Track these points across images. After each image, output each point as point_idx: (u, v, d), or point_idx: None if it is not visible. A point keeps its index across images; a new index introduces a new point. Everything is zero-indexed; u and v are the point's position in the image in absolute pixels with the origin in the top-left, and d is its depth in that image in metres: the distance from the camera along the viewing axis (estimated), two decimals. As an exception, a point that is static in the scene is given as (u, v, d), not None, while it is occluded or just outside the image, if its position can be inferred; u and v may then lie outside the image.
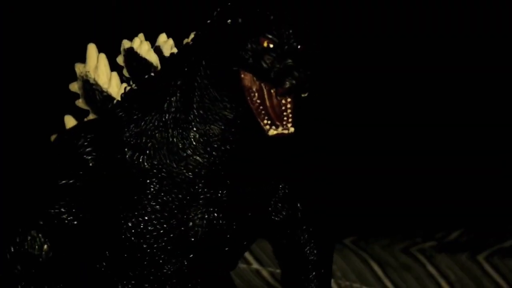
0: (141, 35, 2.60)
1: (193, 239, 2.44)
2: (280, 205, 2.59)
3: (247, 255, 3.79)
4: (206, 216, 2.44)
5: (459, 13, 4.47)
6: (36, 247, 2.41)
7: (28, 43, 4.15)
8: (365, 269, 3.80)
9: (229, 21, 2.35)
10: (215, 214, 2.45)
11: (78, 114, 2.63)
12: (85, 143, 2.44)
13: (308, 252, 2.63)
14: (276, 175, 2.57)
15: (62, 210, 2.41)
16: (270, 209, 2.58)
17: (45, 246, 2.41)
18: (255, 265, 3.82)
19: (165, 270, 2.46)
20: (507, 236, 3.88)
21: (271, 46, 2.29)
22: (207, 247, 2.46)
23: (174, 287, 2.48)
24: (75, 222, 2.41)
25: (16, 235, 2.41)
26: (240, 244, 2.54)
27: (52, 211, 2.40)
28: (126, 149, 2.44)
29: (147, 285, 2.48)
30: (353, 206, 4.34)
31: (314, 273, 2.62)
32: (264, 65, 2.28)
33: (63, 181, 2.42)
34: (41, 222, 2.41)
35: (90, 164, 2.43)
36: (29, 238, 2.41)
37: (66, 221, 2.41)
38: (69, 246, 2.43)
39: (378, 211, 4.34)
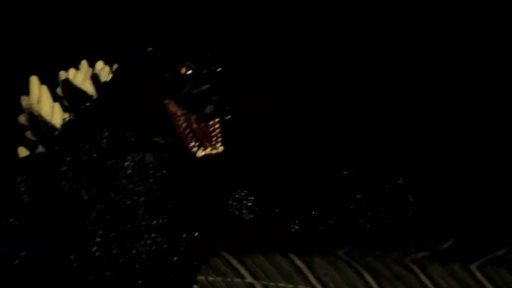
0: (84, 62, 2.65)
1: (138, 266, 2.48)
2: (245, 203, 2.64)
3: (241, 269, 3.81)
4: (149, 242, 2.48)
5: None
6: None
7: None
8: (359, 280, 3.82)
9: (149, 49, 2.40)
10: (158, 239, 2.49)
11: (30, 145, 2.69)
12: (22, 182, 2.51)
13: None
14: (221, 194, 2.62)
15: (5, 249, 2.49)
16: (236, 213, 2.63)
17: None
18: (249, 279, 3.83)
19: None
20: (499, 245, 3.90)
21: (189, 72, 2.33)
22: (155, 272, 2.50)
23: None
24: (18, 260, 2.47)
25: None
26: (189, 265, 2.58)
27: None
28: (63, 183, 2.48)
29: None
30: (345, 218, 4.34)
31: None
32: (183, 92, 2.32)
33: (4, 221, 2.49)
34: None
35: (27, 202, 2.49)
36: None
37: (11, 259, 2.48)
38: (19, 282, 2.49)
39: (371, 222, 4.34)
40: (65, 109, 2.65)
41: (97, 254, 2.45)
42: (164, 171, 2.45)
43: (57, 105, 2.65)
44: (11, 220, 2.48)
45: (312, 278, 3.82)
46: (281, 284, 3.79)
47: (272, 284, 3.80)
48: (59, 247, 2.47)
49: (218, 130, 2.36)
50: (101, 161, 2.47)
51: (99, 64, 2.67)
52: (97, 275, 2.46)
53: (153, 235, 2.47)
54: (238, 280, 3.80)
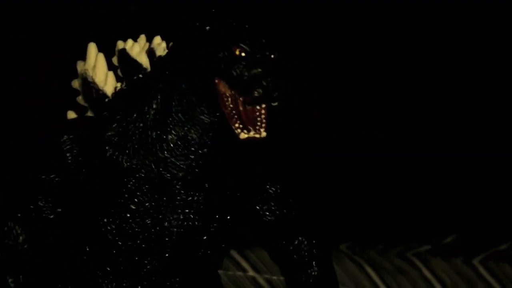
0: (142, 36, 2.68)
1: (167, 239, 2.48)
2: (272, 204, 2.62)
3: (243, 262, 3.81)
4: (182, 217, 2.48)
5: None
6: (12, 237, 2.49)
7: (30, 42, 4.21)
8: (361, 274, 3.83)
9: (207, 28, 2.42)
10: (191, 216, 2.49)
11: (80, 110, 2.71)
12: (67, 140, 2.51)
13: (306, 252, 2.65)
14: (259, 178, 2.60)
15: (40, 204, 2.49)
16: (259, 210, 2.61)
17: (21, 238, 2.50)
18: (251, 272, 3.84)
19: (141, 268, 2.50)
20: (501, 240, 3.91)
21: (243, 54, 2.35)
22: (183, 247, 2.50)
23: (152, 285, 2.51)
24: (52, 216, 2.49)
25: None
26: (218, 246, 2.57)
27: (30, 204, 2.49)
28: (107, 148, 2.50)
29: (125, 281, 2.52)
30: (348, 212, 4.36)
31: (315, 272, 2.65)
32: (234, 73, 2.34)
33: (43, 176, 2.49)
34: (19, 214, 2.49)
35: (69, 161, 2.50)
36: (5, 228, 2.49)
37: (44, 215, 2.49)
38: (47, 238, 2.50)
39: (373, 216, 4.36)
40: (118, 78, 2.66)
41: (130, 221, 2.46)
42: (206, 150, 2.45)
43: (111, 74, 2.66)
44: (52, 176, 2.49)
45: (314, 272, 3.82)
46: (283, 278, 3.79)
47: (274, 277, 3.80)
48: (94, 207, 2.47)
49: (263, 116, 2.34)
50: (146, 131, 2.48)
51: (157, 39, 2.66)
52: (128, 242, 2.47)
53: (187, 211, 2.47)
54: (240, 273, 3.81)
